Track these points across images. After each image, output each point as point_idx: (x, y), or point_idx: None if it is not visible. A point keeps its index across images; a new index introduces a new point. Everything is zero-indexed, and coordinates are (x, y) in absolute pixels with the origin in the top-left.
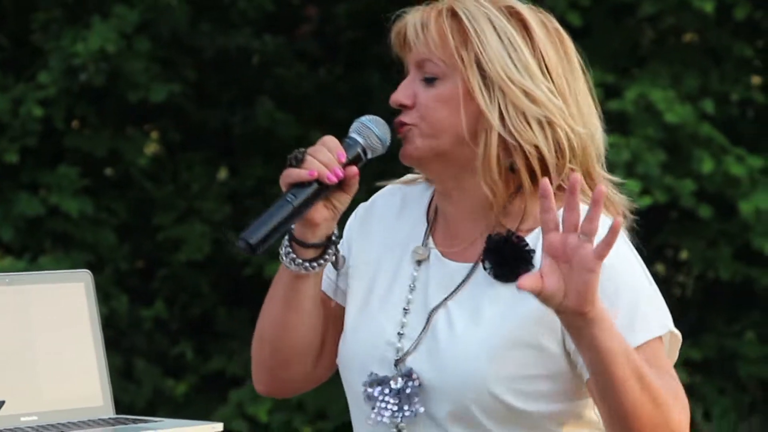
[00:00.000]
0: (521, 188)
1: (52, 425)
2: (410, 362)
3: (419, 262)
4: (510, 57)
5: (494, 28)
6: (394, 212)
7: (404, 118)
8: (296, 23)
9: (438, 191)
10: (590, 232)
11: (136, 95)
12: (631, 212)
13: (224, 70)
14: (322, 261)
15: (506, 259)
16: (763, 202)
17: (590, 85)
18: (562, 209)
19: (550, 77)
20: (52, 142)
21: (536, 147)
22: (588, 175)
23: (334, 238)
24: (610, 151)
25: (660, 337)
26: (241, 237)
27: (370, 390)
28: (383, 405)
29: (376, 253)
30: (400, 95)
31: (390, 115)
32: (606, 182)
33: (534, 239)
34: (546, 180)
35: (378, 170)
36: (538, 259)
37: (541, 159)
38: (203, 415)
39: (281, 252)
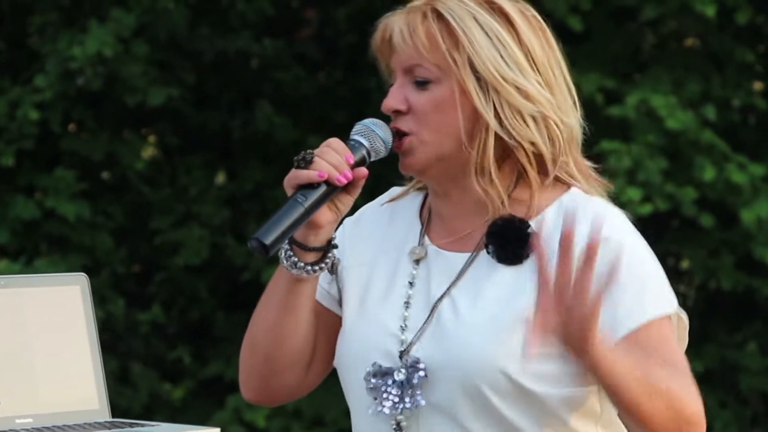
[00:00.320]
0: (519, 179)
1: (48, 428)
2: (415, 351)
3: (417, 261)
4: (501, 55)
5: (481, 26)
6: (385, 220)
7: (401, 125)
8: (295, 27)
9: (436, 193)
10: (583, 291)
11: (134, 99)
12: (632, 221)
13: (223, 73)
14: (322, 264)
15: (509, 241)
16: (764, 210)
17: (564, 66)
18: (557, 202)
19: (538, 70)
20: (48, 146)
21: (532, 143)
22: (575, 161)
23: (333, 241)
24: (611, 158)
25: (669, 317)
26: (254, 237)
27: (373, 380)
28: (385, 396)
29: (371, 255)
30: (392, 101)
31: (388, 120)
32: (586, 166)
33: (536, 224)
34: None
35: (377, 172)
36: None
37: (537, 153)
38: (200, 420)
39: (282, 256)
